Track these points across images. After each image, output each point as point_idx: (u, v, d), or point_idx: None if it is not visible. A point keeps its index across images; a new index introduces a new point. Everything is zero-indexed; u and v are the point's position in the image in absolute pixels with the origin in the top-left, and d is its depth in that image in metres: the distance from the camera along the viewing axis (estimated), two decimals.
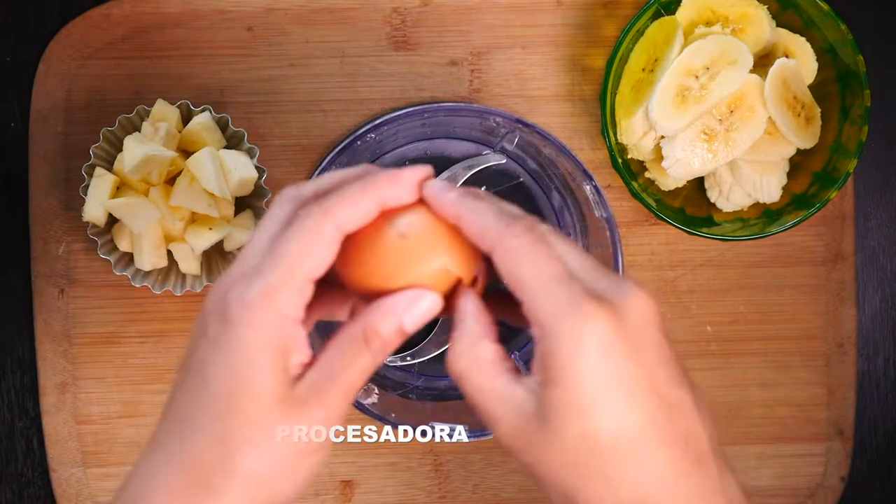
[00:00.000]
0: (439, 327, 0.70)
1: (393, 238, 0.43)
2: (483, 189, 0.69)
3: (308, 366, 0.42)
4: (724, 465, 0.41)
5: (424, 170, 0.44)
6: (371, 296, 0.44)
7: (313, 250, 0.42)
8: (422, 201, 0.44)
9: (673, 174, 0.68)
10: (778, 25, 0.69)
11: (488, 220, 0.42)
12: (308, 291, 0.42)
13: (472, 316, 0.43)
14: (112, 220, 0.68)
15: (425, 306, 0.43)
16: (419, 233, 0.43)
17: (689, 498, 0.40)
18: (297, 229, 0.42)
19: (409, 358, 0.70)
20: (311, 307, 0.43)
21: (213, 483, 0.41)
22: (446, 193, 0.43)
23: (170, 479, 0.41)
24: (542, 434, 0.40)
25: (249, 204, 0.70)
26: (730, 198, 0.70)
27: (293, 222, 0.42)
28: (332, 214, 0.42)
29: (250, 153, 0.69)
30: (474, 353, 0.42)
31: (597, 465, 0.39)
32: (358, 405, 0.64)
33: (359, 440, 0.73)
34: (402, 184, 0.43)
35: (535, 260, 0.41)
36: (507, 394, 0.41)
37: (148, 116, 0.69)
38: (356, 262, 0.44)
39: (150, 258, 0.67)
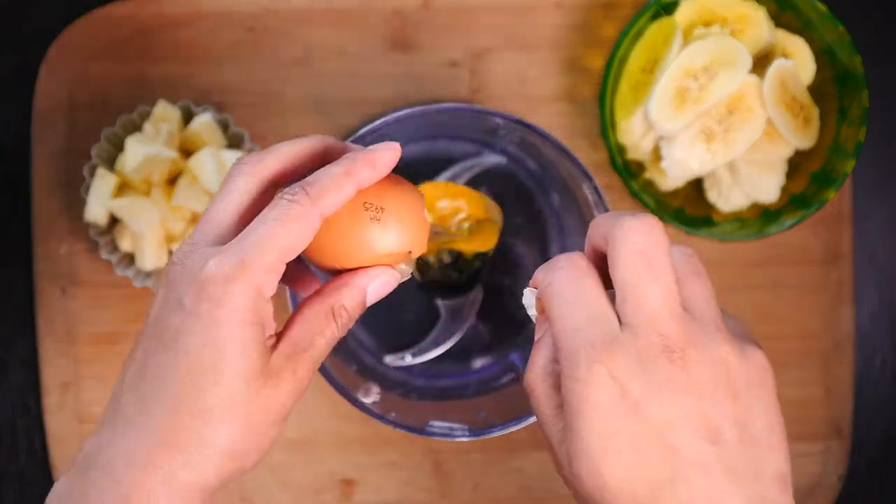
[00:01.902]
0: (440, 328, 0.70)
1: (366, 221, 0.45)
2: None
3: (276, 338, 0.44)
4: None
5: (394, 149, 0.45)
6: (335, 271, 0.46)
7: (298, 236, 0.43)
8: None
9: (672, 174, 0.68)
10: (776, 26, 0.69)
11: (546, 264, 0.43)
12: (282, 270, 0.43)
13: (551, 339, 0.43)
14: (114, 221, 0.69)
15: (387, 283, 0.46)
16: (389, 215, 0.45)
17: None
18: (283, 213, 0.42)
19: (409, 358, 0.70)
20: None
21: (189, 455, 0.41)
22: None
23: (143, 451, 0.41)
24: (571, 474, 0.41)
25: None
26: (729, 198, 0.70)
27: (277, 204, 0.43)
28: (320, 202, 0.43)
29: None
30: (546, 376, 0.43)
31: None
32: (358, 405, 0.64)
33: (359, 440, 0.73)
34: (378, 167, 0.44)
35: (562, 302, 0.41)
36: (553, 428, 0.42)
37: (149, 117, 0.69)
38: (326, 243, 0.45)
39: (151, 258, 0.67)
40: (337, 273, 0.46)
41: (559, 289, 0.42)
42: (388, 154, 0.44)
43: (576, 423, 0.40)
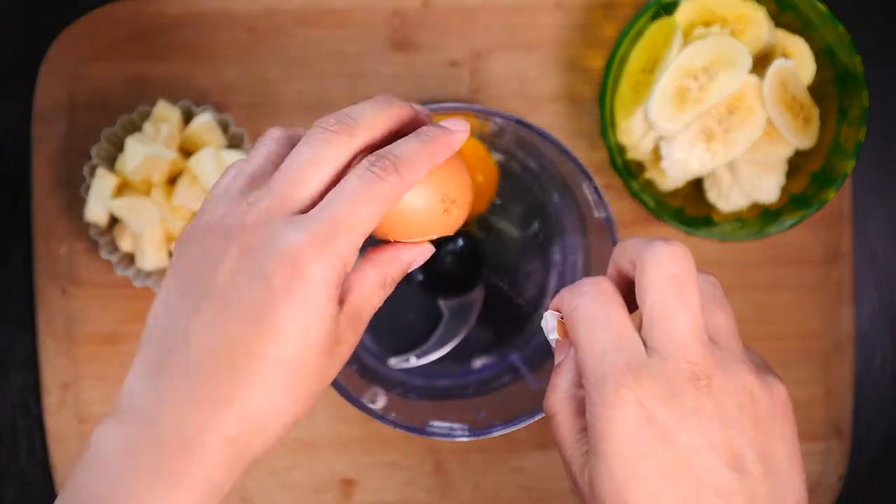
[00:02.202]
0: (441, 328, 0.70)
1: (438, 212, 0.45)
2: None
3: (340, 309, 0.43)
4: None
5: (465, 129, 0.45)
6: (384, 240, 0.46)
7: (382, 212, 0.42)
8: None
9: (672, 174, 0.68)
10: (776, 26, 0.69)
11: (568, 288, 0.43)
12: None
13: (574, 363, 0.43)
14: (114, 221, 0.69)
15: (425, 257, 0.46)
16: (456, 206, 0.46)
17: None
18: (370, 188, 0.42)
19: (413, 360, 0.70)
20: None
21: (265, 429, 0.41)
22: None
23: (225, 420, 0.40)
24: (592, 497, 0.40)
25: None
26: (728, 198, 0.70)
27: (363, 176, 0.42)
28: (406, 182, 0.43)
29: None
30: (568, 400, 0.43)
31: None
32: (359, 405, 0.64)
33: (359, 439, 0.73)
34: (454, 149, 0.44)
35: (588, 326, 0.41)
36: (575, 452, 0.42)
37: (149, 117, 0.69)
38: (389, 217, 0.45)
39: (151, 258, 0.67)
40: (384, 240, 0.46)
41: (586, 313, 0.41)
42: (463, 136, 0.44)
43: (601, 448, 0.39)
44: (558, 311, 0.44)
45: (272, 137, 0.45)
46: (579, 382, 0.42)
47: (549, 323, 0.45)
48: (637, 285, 0.41)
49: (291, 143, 0.44)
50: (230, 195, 0.43)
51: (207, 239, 0.42)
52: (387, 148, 0.43)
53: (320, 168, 0.42)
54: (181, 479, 0.40)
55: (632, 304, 0.43)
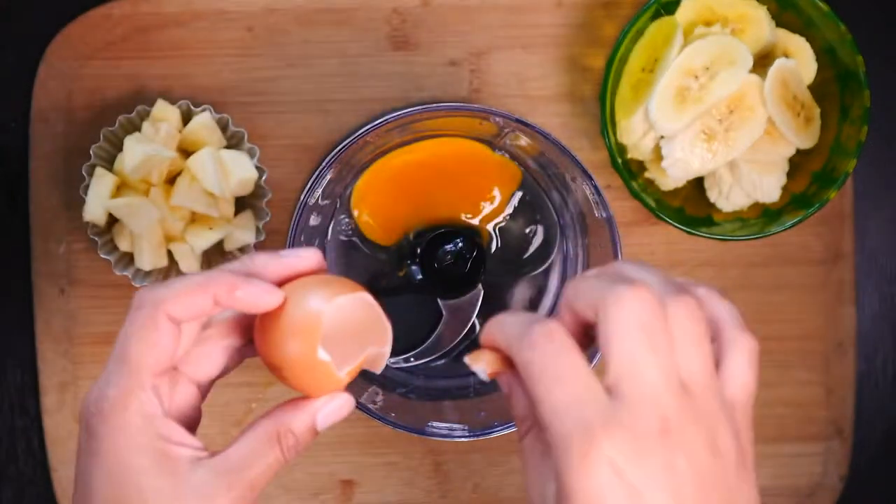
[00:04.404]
0: (441, 328, 0.70)
1: (315, 365, 0.43)
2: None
3: (210, 455, 0.43)
4: None
5: (269, 295, 0.44)
6: (282, 373, 0.45)
7: (152, 346, 0.42)
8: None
9: (672, 174, 0.68)
10: (777, 25, 0.69)
11: (509, 329, 0.41)
12: (165, 384, 0.43)
13: (524, 394, 0.42)
14: (112, 220, 0.68)
15: (341, 408, 0.45)
16: (338, 349, 0.44)
17: None
18: (131, 325, 0.43)
19: (412, 359, 0.70)
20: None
21: None
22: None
23: None
24: None
25: (249, 204, 0.70)
26: (729, 198, 0.70)
27: (128, 319, 0.43)
28: (163, 305, 0.42)
29: (250, 153, 0.69)
30: (536, 442, 0.42)
31: None
32: (359, 405, 0.64)
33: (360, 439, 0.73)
34: (235, 300, 0.43)
35: (548, 382, 0.38)
36: (540, 494, 0.40)
37: (148, 116, 0.69)
38: (268, 342, 0.44)
39: (150, 258, 0.67)
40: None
41: (543, 368, 0.39)
42: (255, 294, 0.43)
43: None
44: (491, 346, 0.42)
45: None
46: (542, 435, 0.40)
47: (478, 364, 0.42)
48: (600, 333, 0.39)
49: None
50: None
51: None
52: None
53: (120, 332, 0.44)
54: None
55: (583, 342, 0.41)
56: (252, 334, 0.46)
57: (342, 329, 0.44)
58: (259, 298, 0.44)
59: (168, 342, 0.43)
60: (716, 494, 0.38)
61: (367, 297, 0.45)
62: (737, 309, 0.42)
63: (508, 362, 0.42)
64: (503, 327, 0.41)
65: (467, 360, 0.43)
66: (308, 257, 0.45)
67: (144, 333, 0.43)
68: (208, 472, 0.42)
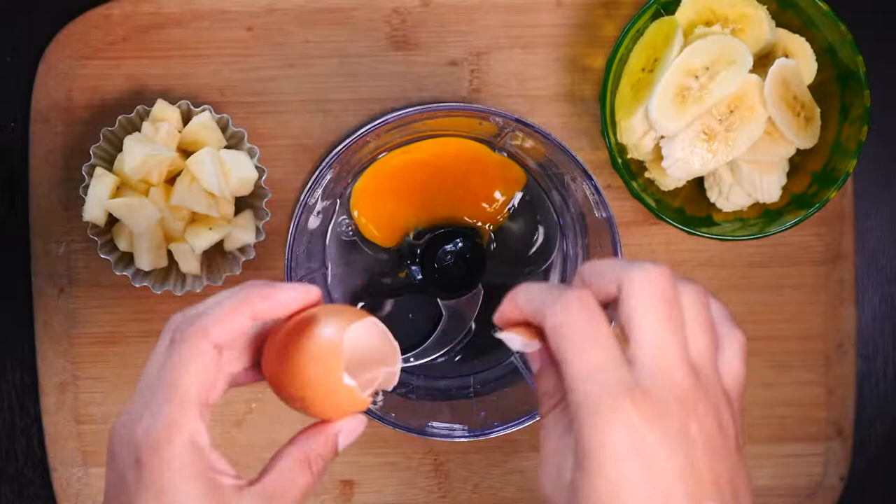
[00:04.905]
0: (441, 328, 0.70)
1: (334, 384, 0.45)
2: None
3: (250, 483, 0.44)
4: None
5: (301, 290, 0.45)
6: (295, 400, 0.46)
7: (201, 375, 0.43)
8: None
9: (672, 174, 0.68)
10: (777, 25, 0.69)
11: (537, 296, 0.42)
12: (207, 412, 0.44)
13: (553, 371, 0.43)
14: (112, 220, 0.68)
15: (357, 428, 0.47)
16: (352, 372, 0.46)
17: None
18: (176, 354, 0.43)
19: (412, 359, 0.70)
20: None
21: None
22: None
23: None
24: None
25: (249, 204, 0.70)
26: (729, 198, 0.70)
27: (171, 347, 0.43)
28: (208, 333, 0.43)
29: (250, 153, 0.69)
30: (561, 414, 0.43)
31: None
32: None
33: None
34: (275, 302, 0.45)
35: (578, 344, 0.40)
36: (557, 465, 0.41)
37: (148, 116, 0.69)
38: (287, 373, 0.45)
39: (149, 258, 0.67)
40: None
41: (576, 329, 0.41)
42: (291, 294, 0.45)
43: (587, 465, 0.39)
44: (514, 315, 0.43)
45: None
46: (565, 401, 0.42)
47: (515, 340, 0.43)
48: (623, 306, 0.41)
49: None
50: None
51: None
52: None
53: (152, 358, 0.45)
54: None
55: None
56: (253, 357, 0.48)
57: (358, 353, 0.46)
58: (303, 294, 0.45)
59: (214, 370, 0.44)
60: (723, 464, 0.40)
61: (376, 322, 0.48)
62: (726, 306, 0.44)
63: (539, 333, 0.43)
64: (531, 294, 0.43)
65: (500, 334, 0.44)
66: (310, 291, 0.47)
67: (193, 363, 0.43)
68: (254, 500, 0.43)
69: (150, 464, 0.42)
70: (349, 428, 0.47)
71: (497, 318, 0.44)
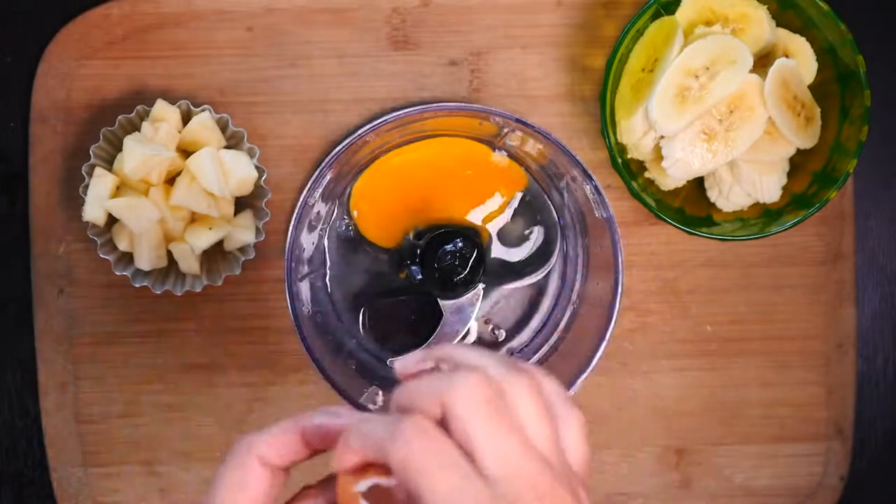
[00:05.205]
0: (442, 328, 0.70)
1: None
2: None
3: None
4: None
5: (344, 417, 0.44)
6: None
7: (241, 489, 0.44)
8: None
9: (673, 174, 0.68)
10: (778, 25, 0.69)
11: (371, 434, 0.41)
12: None
13: None
14: (112, 220, 0.68)
15: None
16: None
17: None
18: (224, 468, 0.43)
19: None
20: None
21: None
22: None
23: None
24: None
25: (249, 204, 0.70)
26: (729, 198, 0.70)
27: (224, 464, 0.44)
28: (253, 448, 0.44)
29: (250, 153, 0.69)
30: None
31: None
32: (358, 405, 0.64)
33: None
34: (324, 429, 0.45)
35: (429, 472, 0.39)
36: None
37: (148, 116, 0.69)
38: None
39: (149, 258, 0.67)
40: None
41: (420, 460, 0.39)
42: (335, 421, 0.45)
43: None
44: (356, 467, 0.42)
45: None
46: None
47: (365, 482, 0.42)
48: (453, 426, 0.40)
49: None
50: None
51: None
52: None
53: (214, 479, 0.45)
54: None
55: None
56: None
57: None
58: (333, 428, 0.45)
59: (259, 486, 0.44)
60: None
61: None
62: (560, 385, 0.44)
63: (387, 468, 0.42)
64: (364, 433, 0.42)
65: (358, 486, 0.43)
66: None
67: (232, 477, 0.43)
68: None
69: None
70: None
71: (337, 466, 0.43)
